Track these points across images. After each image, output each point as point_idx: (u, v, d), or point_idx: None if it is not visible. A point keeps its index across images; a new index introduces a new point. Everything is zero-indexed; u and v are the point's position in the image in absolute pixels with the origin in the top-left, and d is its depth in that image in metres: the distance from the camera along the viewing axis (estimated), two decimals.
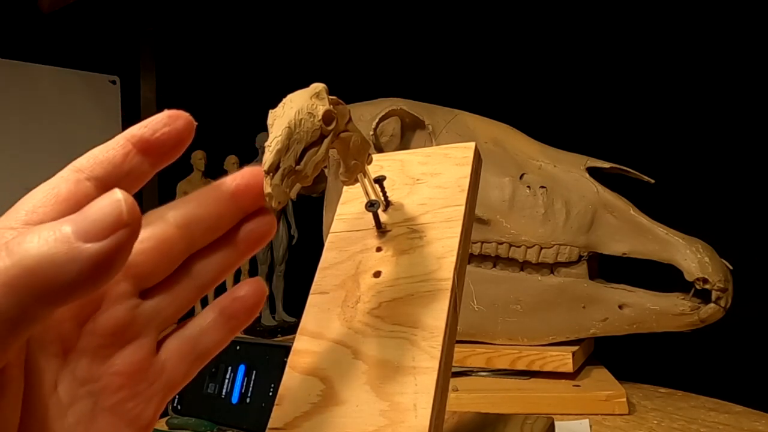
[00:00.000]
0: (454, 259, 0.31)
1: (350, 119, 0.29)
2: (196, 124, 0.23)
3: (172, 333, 0.24)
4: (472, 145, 0.37)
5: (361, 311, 0.31)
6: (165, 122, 0.22)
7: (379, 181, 0.35)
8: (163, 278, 0.24)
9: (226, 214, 0.24)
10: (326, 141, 0.26)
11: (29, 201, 0.20)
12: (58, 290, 0.16)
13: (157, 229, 0.23)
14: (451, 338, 0.30)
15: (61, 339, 0.21)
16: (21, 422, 0.20)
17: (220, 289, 0.28)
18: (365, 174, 0.32)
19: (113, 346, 0.22)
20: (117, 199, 0.17)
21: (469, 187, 0.35)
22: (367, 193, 0.33)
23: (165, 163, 0.23)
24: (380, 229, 0.34)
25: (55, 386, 0.21)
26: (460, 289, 0.32)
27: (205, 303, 1.42)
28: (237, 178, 0.25)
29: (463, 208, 0.34)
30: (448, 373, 0.30)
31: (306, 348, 0.31)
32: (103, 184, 0.21)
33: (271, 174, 0.24)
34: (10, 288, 0.16)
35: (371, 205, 0.33)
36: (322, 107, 0.26)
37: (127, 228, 0.17)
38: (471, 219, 0.35)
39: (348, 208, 0.37)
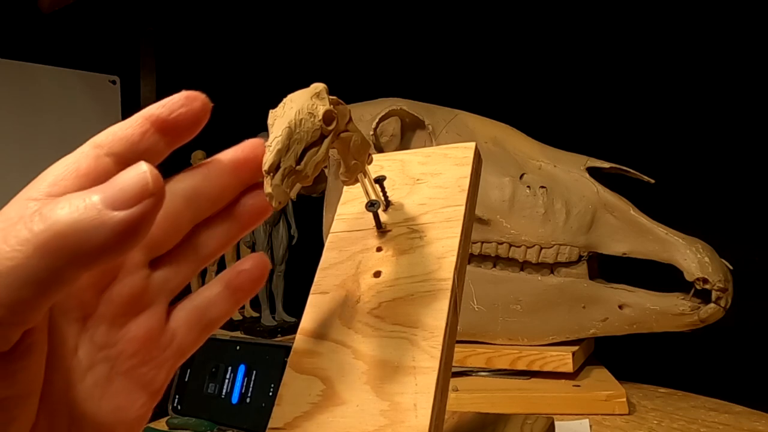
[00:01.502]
0: (454, 259, 0.31)
1: (350, 119, 0.29)
2: (212, 105, 0.24)
3: (180, 303, 0.26)
4: (472, 145, 0.37)
5: (361, 311, 0.31)
6: (182, 103, 0.23)
7: (380, 181, 0.35)
8: (170, 248, 0.25)
9: (228, 187, 0.26)
10: (326, 141, 0.26)
11: (51, 174, 0.21)
12: (86, 254, 0.17)
13: (166, 200, 0.24)
14: (451, 338, 0.30)
15: (81, 306, 0.23)
16: (45, 382, 0.21)
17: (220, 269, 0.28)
18: (365, 174, 0.32)
19: (128, 314, 0.24)
20: (143, 170, 0.18)
21: (469, 187, 0.35)
22: (367, 193, 0.33)
23: (181, 142, 0.24)
24: (380, 229, 0.34)
25: (76, 350, 0.23)
26: (460, 289, 0.32)
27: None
28: (237, 151, 0.26)
29: (463, 208, 0.34)
30: (448, 373, 0.30)
31: (306, 348, 0.31)
32: (121, 160, 0.22)
33: (271, 174, 0.24)
34: (43, 251, 0.17)
35: (371, 205, 0.33)
36: (322, 107, 0.26)
37: (152, 197, 0.18)
38: (471, 219, 0.35)
39: (348, 208, 0.37)
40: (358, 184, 0.33)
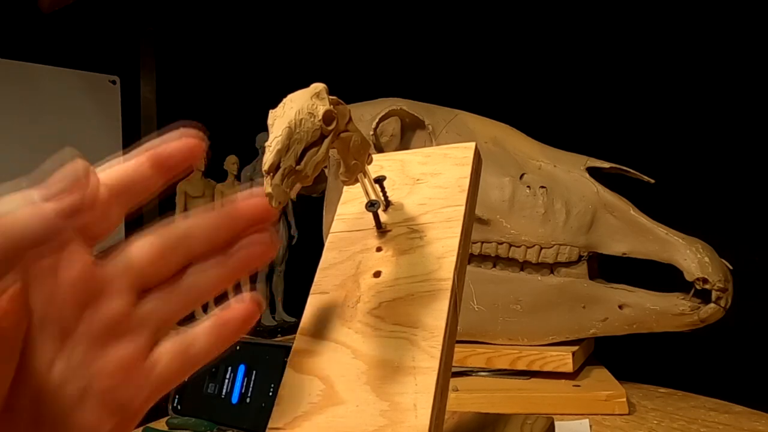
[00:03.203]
0: (454, 259, 0.31)
1: (350, 119, 0.29)
2: (205, 145, 0.26)
3: (170, 334, 0.26)
4: (472, 145, 0.37)
5: (361, 311, 0.31)
6: (175, 138, 0.25)
7: (380, 181, 0.35)
8: (161, 281, 0.26)
9: (223, 227, 0.27)
10: (326, 141, 0.26)
11: None
12: (23, 239, 0.19)
13: (158, 234, 0.25)
14: (451, 338, 0.30)
15: (60, 320, 0.23)
16: (15, 392, 0.22)
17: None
18: (365, 174, 0.32)
19: (108, 335, 0.24)
20: (74, 165, 0.21)
21: (469, 187, 0.35)
22: (367, 193, 0.33)
23: (174, 175, 0.25)
24: (380, 229, 0.34)
25: (52, 365, 0.23)
26: (460, 289, 0.32)
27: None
28: (238, 197, 0.27)
29: (463, 208, 0.34)
30: (448, 373, 0.30)
31: (306, 348, 0.31)
32: (114, 191, 0.24)
33: (271, 174, 0.25)
34: None
35: (371, 205, 0.33)
36: (322, 107, 0.26)
37: (80, 191, 0.20)
38: (471, 219, 0.35)
39: (348, 208, 0.37)
40: (358, 184, 0.33)
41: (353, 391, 0.28)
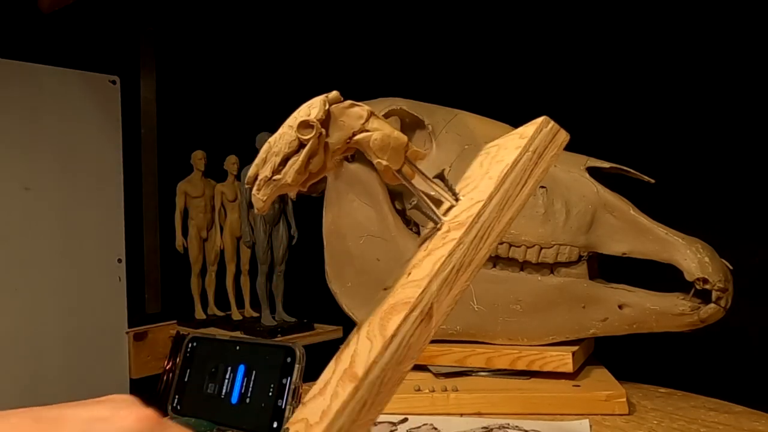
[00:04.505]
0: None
1: (368, 119, 0.30)
2: None
3: None
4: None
5: None
6: None
7: (440, 176, 0.35)
8: None
9: None
10: (306, 148, 0.27)
11: None
12: None
13: None
14: None
15: None
16: None
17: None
18: (401, 173, 0.32)
19: None
20: None
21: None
22: (414, 193, 0.33)
23: None
24: (436, 225, 0.35)
25: None
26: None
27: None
28: None
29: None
30: None
31: None
32: None
33: (250, 186, 0.28)
34: None
35: (413, 206, 0.33)
36: (302, 118, 0.28)
37: None
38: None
39: None
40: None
41: None
